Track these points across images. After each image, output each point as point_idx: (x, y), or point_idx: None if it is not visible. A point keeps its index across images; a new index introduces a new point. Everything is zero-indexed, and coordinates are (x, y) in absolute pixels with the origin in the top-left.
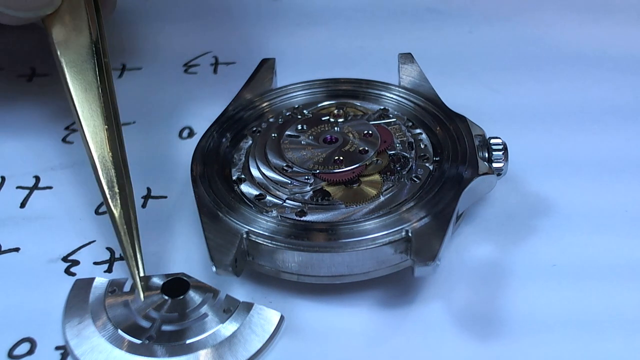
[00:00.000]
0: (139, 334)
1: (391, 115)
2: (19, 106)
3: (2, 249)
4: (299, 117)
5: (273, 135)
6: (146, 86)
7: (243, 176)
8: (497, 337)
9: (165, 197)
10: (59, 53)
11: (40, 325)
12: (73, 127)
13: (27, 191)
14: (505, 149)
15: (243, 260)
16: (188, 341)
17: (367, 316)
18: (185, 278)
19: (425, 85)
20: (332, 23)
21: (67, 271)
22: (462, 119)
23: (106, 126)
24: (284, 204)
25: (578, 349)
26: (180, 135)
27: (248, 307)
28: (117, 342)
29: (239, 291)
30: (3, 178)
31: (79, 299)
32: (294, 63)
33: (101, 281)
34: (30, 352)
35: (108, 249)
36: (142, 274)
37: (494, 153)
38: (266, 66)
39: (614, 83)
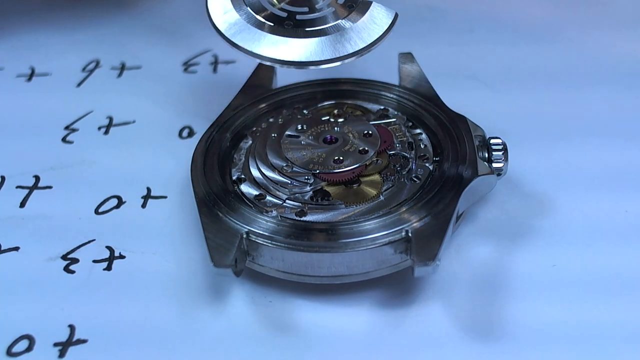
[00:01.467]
0: (278, 21)
1: (391, 115)
2: (19, 106)
3: (2, 248)
4: (299, 117)
5: (273, 135)
6: (146, 86)
7: (243, 176)
8: (496, 337)
9: (165, 197)
10: None
11: (39, 322)
12: (73, 126)
13: (26, 191)
14: (505, 149)
15: (243, 260)
16: (316, 28)
17: (367, 316)
18: None
19: (425, 85)
20: None
21: (67, 269)
22: (462, 119)
23: None
24: (284, 204)
25: (577, 350)
26: (180, 135)
27: (367, 4)
28: (261, 26)
29: (239, 291)
30: (3, 178)
31: None
32: None
33: None
34: (29, 349)
35: (107, 247)
36: None
37: (494, 153)
38: (266, 66)
39: (616, 87)
